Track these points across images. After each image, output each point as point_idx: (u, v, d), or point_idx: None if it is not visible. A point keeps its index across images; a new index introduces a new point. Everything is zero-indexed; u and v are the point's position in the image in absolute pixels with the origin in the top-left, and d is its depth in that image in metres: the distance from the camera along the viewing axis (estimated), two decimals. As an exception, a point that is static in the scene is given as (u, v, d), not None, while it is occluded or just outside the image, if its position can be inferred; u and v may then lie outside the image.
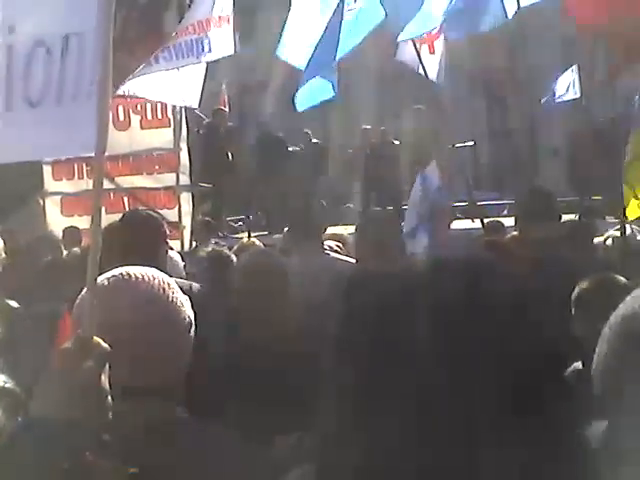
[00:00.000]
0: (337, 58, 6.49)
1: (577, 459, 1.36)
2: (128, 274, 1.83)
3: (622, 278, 3.21)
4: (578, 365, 3.21)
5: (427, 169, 6.62)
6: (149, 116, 10.26)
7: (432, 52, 7.15)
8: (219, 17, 8.53)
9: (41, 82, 1.70)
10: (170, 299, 1.82)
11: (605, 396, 1.10)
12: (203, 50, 8.26)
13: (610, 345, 1.09)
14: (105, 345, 1.54)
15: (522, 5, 7.02)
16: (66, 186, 10.12)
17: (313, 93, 6.75)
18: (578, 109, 8.75)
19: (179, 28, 8.39)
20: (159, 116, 10.32)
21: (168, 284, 1.85)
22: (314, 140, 15.12)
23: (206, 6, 8.50)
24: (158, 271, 1.89)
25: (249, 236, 10.63)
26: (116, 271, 1.84)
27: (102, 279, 1.80)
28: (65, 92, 1.66)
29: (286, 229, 7.47)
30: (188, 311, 1.86)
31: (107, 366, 1.52)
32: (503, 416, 1.32)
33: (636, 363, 1.05)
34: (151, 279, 1.83)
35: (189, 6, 10.37)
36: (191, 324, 1.86)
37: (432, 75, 7.07)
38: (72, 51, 1.66)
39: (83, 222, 9.43)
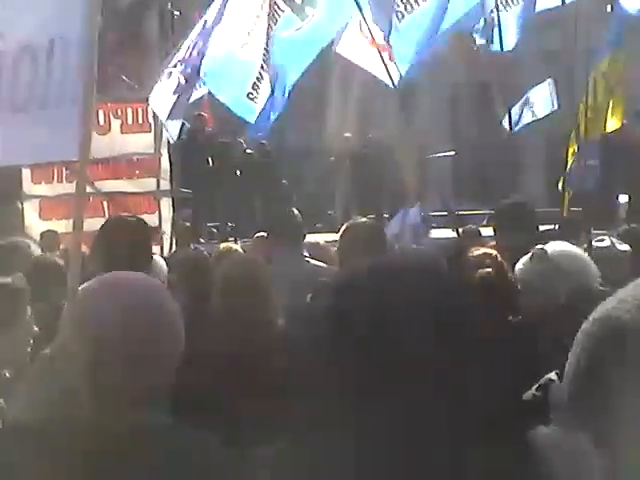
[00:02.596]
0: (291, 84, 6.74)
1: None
2: (117, 279, 1.80)
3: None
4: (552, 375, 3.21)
5: (411, 209, 6.93)
6: (129, 121, 10.21)
7: (391, 60, 7.16)
8: None
9: (27, 87, 1.68)
10: (160, 305, 1.79)
11: (575, 398, 1.11)
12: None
13: (582, 347, 1.10)
14: (88, 349, 1.54)
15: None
16: (45, 189, 10.05)
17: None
18: (557, 121, 8.84)
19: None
20: (140, 121, 10.27)
21: (157, 290, 1.83)
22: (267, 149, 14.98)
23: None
24: (148, 276, 1.87)
25: (235, 241, 10.59)
26: (105, 276, 1.81)
27: (89, 284, 1.77)
28: (50, 97, 1.65)
29: (257, 235, 7.49)
30: (178, 318, 1.83)
31: (91, 370, 1.52)
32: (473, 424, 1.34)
33: (608, 363, 1.06)
34: (140, 284, 1.81)
35: (172, 14, 10.34)
36: (180, 330, 1.83)
37: (389, 81, 7.14)
38: (57, 55, 1.65)
39: (62, 226, 9.35)
